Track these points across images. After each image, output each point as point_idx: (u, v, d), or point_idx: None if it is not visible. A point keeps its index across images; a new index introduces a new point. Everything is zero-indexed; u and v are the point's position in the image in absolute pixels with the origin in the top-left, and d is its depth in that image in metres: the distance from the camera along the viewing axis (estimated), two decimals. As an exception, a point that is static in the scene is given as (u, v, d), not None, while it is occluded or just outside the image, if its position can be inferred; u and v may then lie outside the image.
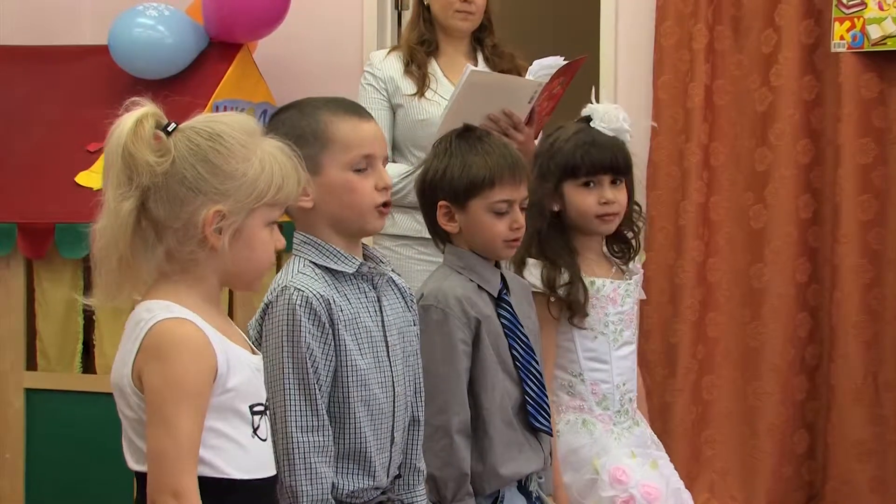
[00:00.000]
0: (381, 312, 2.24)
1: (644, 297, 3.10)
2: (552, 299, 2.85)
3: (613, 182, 2.88)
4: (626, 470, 2.79)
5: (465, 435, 2.43)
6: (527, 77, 3.34)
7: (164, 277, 1.88)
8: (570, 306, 2.85)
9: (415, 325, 2.32)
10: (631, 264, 3.00)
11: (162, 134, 1.84)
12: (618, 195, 2.89)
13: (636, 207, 2.99)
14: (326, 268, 2.19)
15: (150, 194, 1.84)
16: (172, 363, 1.80)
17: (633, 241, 2.99)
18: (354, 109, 2.25)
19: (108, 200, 1.85)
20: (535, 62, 3.36)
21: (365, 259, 2.26)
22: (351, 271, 2.20)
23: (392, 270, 2.32)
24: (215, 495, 1.84)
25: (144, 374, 1.82)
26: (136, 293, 1.89)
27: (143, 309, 1.85)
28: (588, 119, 2.93)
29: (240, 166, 1.85)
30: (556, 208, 2.90)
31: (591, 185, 2.88)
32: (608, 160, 2.87)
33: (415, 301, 2.36)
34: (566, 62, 3.28)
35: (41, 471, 4.03)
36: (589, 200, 2.88)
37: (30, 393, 4.03)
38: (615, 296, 2.90)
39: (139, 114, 1.84)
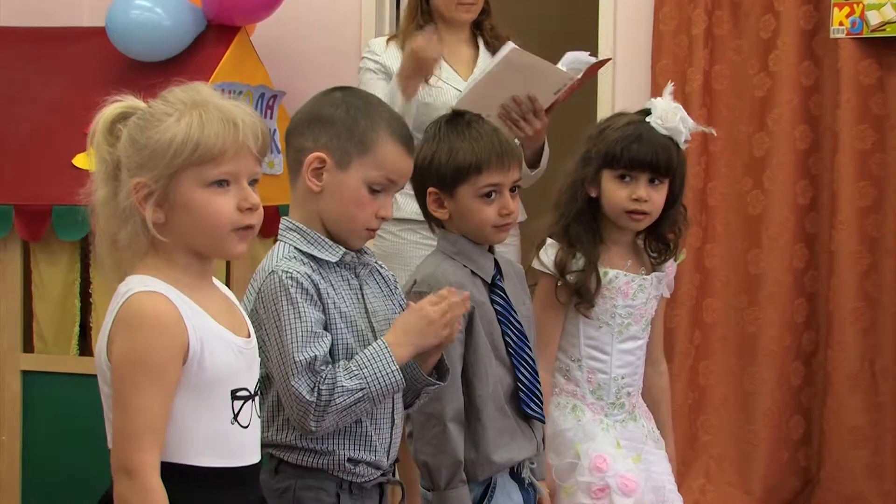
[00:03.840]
0: (364, 300, 2.24)
1: (668, 296, 3.05)
2: (560, 283, 2.84)
3: (652, 181, 2.82)
4: (606, 458, 2.79)
5: (458, 422, 2.43)
6: (560, 66, 3.35)
7: (147, 254, 1.88)
8: (578, 293, 2.83)
9: (403, 311, 2.32)
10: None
11: (120, 125, 1.87)
12: (653, 195, 2.82)
13: (682, 210, 2.92)
14: (310, 255, 2.19)
15: (118, 183, 1.87)
16: (135, 337, 1.79)
17: (672, 244, 2.93)
18: (409, 141, 2.25)
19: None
20: (569, 54, 3.36)
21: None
22: (333, 260, 2.20)
23: (376, 262, 2.32)
24: (184, 481, 1.82)
25: (112, 347, 1.82)
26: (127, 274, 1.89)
27: (123, 284, 1.86)
28: (647, 113, 2.87)
29: (153, 134, 1.83)
30: (593, 194, 2.87)
31: (627, 179, 2.82)
32: (648, 158, 2.80)
33: (399, 287, 2.35)
34: (596, 61, 3.29)
35: (38, 453, 4.03)
36: (621, 194, 2.82)
37: (26, 375, 4.03)
38: (627, 289, 2.87)
39: (107, 107, 1.89)
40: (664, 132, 2.83)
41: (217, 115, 1.84)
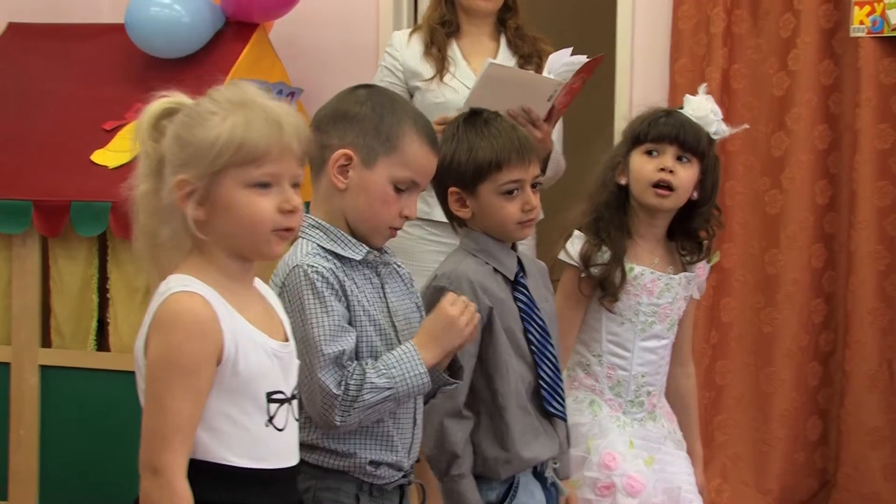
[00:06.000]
0: (386, 299, 2.24)
1: (697, 297, 3.03)
2: (583, 275, 2.83)
3: (679, 159, 2.82)
4: (616, 457, 2.78)
5: (455, 417, 2.43)
6: (546, 72, 3.33)
7: (189, 253, 1.88)
8: (602, 286, 2.82)
9: (419, 308, 2.32)
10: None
11: (165, 121, 1.87)
12: (679, 170, 2.81)
13: (715, 212, 2.92)
14: (333, 252, 2.19)
15: (161, 178, 1.86)
16: (170, 336, 1.79)
17: (704, 244, 2.92)
18: (433, 139, 2.26)
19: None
20: (553, 57, 3.33)
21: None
22: (357, 258, 2.20)
23: (395, 260, 2.32)
24: (218, 481, 1.82)
25: (149, 346, 1.82)
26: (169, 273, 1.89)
27: (164, 283, 1.86)
28: (681, 107, 2.92)
29: (198, 132, 1.83)
30: (622, 181, 2.87)
31: (654, 153, 2.83)
32: (674, 131, 2.81)
33: (415, 285, 2.35)
34: (587, 60, 3.26)
35: (55, 447, 4.04)
36: (648, 167, 2.82)
37: (44, 370, 4.04)
38: (653, 287, 2.86)
39: (153, 103, 1.88)
40: (694, 120, 2.85)
41: (262, 115, 1.83)
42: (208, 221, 1.84)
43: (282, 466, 1.91)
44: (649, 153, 2.84)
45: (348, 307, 2.15)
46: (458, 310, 2.18)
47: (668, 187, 2.81)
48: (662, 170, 2.81)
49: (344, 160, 2.19)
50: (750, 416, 4.31)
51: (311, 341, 2.09)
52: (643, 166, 2.83)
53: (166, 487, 1.77)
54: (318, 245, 2.18)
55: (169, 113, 1.88)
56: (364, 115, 2.20)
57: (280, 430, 1.89)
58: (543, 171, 3.41)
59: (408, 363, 2.13)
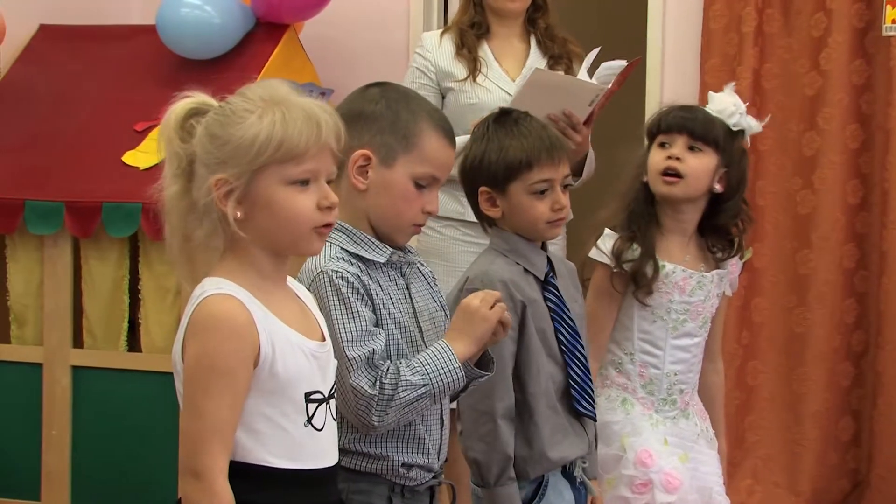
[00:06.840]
0: (411, 299, 2.24)
1: (730, 294, 3.03)
2: (615, 271, 2.83)
3: (691, 149, 2.82)
4: (652, 454, 2.78)
5: (509, 419, 2.43)
6: (583, 71, 3.33)
7: (223, 256, 1.88)
8: (634, 280, 2.82)
9: (442, 307, 2.32)
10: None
11: (192, 121, 1.87)
12: (689, 158, 2.81)
13: (743, 205, 2.91)
14: (358, 255, 2.19)
15: (191, 178, 1.86)
16: (206, 340, 1.79)
17: (735, 241, 2.91)
18: (449, 132, 2.25)
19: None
20: (587, 60, 3.34)
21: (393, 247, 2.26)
22: (382, 261, 2.20)
23: (418, 260, 2.31)
24: (258, 482, 1.83)
25: (185, 350, 1.82)
26: (206, 273, 1.88)
27: (199, 286, 1.86)
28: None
29: (235, 131, 1.82)
30: (645, 178, 2.88)
31: (666, 145, 2.84)
32: (682, 121, 2.82)
33: (437, 283, 2.35)
34: (626, 64, 3.27)
35: (86, 447, 4.06)
36: (657, 158, 2.84)
37: (76, 370, 4.06)
38: (684, 285, 2.86)
39: (178, 103, 1.88)
40: (714, 114, 2.85)
41: (301, 113, 1.83)
42: (247, 220, 1.84)
43: (321, 466, 1.91)
44: (662, 145, 2.85)
45: (374, 311, 2.15)
46: (478, 299, 2.17)
47: (676, 174, 2.81)
48: (670, 158, 2.81)
49: (363, 160, 2.18)
50: (781, 417, 4.29)
51: (339, 347, 2.08)
52: (654, 158, 2.85)
53: (207, 490, 1.77)
54: (342, 248, 2.18)
55: (195, 113, 1.87)
56: (379, 114, 2.20)
57: (319, 429, 1.89)
58: (580, 173, 3.42)
59: (442, 359, 2.12)
